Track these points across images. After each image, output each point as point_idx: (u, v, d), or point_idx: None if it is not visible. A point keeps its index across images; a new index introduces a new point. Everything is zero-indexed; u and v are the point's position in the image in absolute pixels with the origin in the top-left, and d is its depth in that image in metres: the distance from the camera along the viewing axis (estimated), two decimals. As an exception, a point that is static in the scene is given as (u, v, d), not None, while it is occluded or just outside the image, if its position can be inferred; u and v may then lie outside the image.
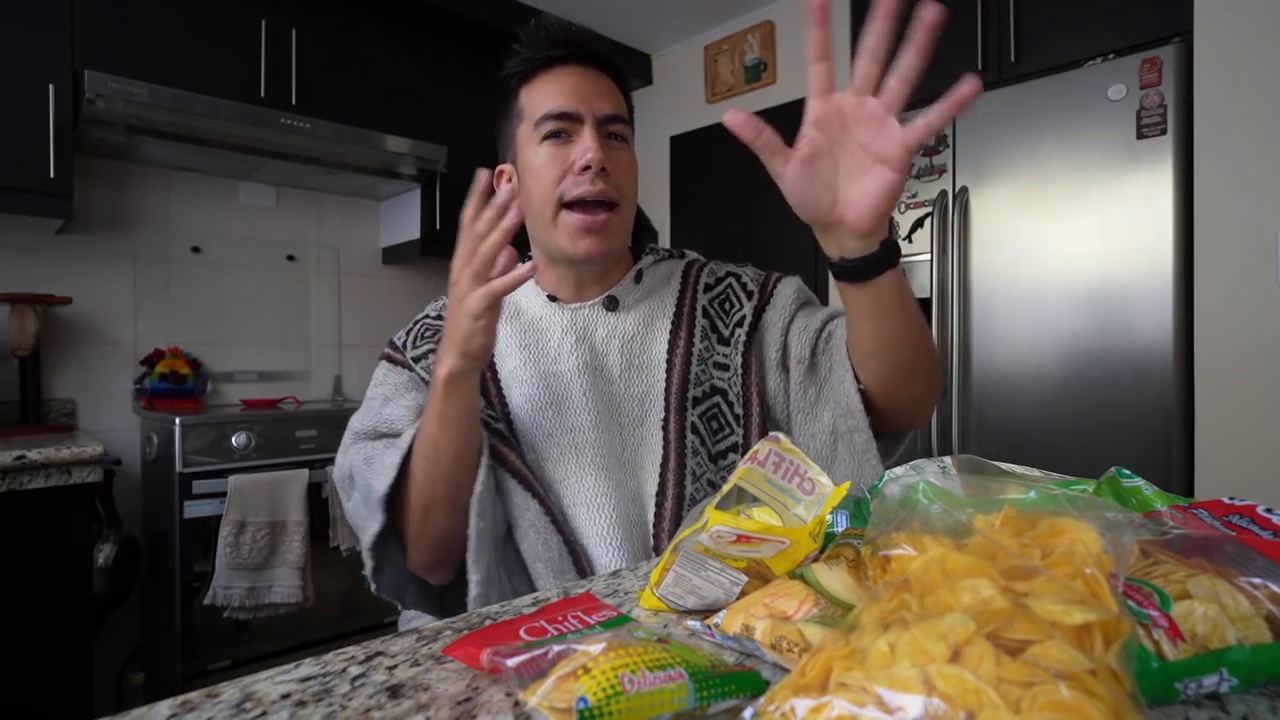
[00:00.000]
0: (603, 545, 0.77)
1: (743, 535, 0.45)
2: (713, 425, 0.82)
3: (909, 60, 0.53)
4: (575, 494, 0.79)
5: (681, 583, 0.49)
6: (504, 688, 0.39)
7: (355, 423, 0.83)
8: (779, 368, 0.83)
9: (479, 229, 0.65)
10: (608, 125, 0.80)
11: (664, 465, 0.79)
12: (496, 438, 0.79)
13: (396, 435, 0.78)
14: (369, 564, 0.79)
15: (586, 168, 0.77)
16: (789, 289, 0.88)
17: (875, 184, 0.56)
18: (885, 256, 0.61)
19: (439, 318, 0.88)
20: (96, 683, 1.66)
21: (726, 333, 0.86)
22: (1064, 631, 0.28)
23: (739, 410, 0.82)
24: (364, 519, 0.78)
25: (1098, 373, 1.83)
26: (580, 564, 0.76)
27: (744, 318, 0.86)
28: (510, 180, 0.85)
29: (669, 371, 0.83)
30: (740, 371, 0.83)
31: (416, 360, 0.85)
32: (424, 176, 2.47)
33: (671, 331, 0.85)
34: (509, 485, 0.78)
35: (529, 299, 0.87)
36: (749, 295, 0.88)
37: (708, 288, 0.89)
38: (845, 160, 0.57)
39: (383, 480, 0.74)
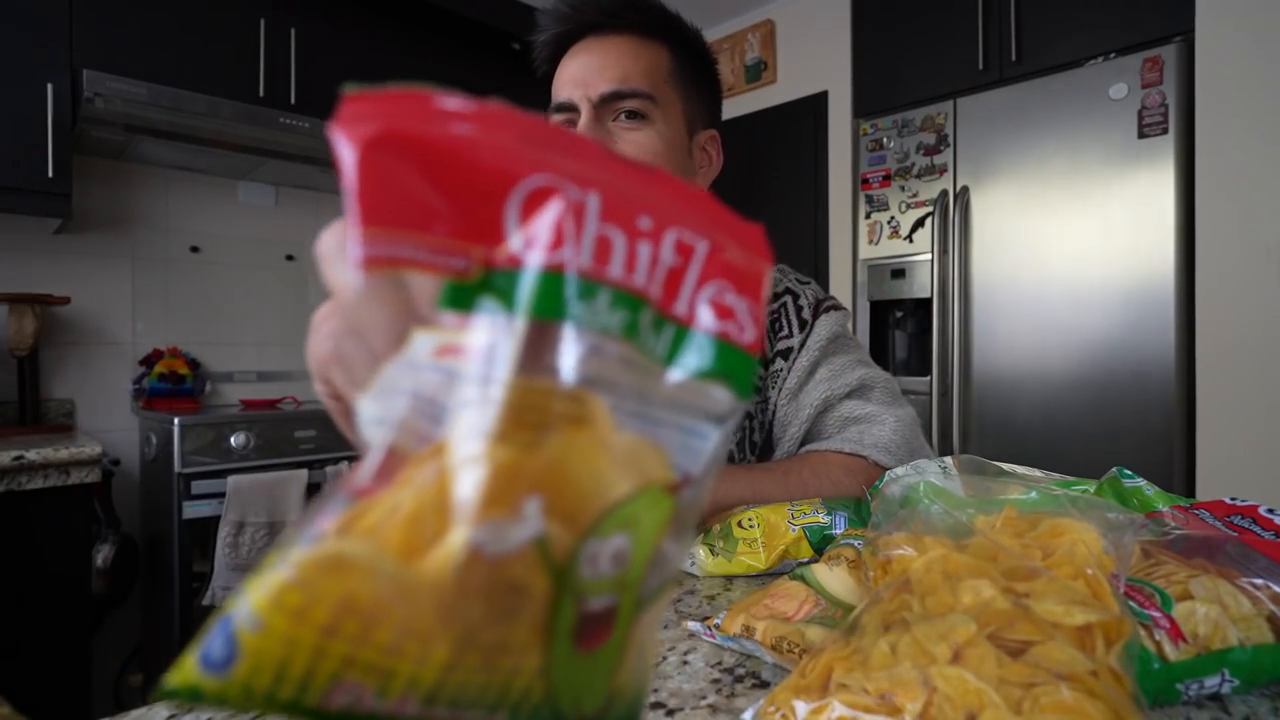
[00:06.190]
0: None
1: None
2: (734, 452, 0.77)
3: None
4: None
5: None
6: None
7: None
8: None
9: None
10: (614, 104, 0.68)
11: None
12: None
13: None
14: None
15: None
16: (817, 337, 0.78)
17: None
18: None
19: None
20: (95, 683, 1.65)
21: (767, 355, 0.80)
22: (1065, 632, 0.28)
23: (756, 438, 0.77)
24: None
25: (1099, 372, 1.83)
26: None
27: (790, 350, 0.78)
28: None
29: None
30: (775, 407, 0.78)
31: None
32: (423, 176, 2.46)
33: None
34: None
35: None
36: (801, 325, 0.78)
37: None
38: None
39: None
